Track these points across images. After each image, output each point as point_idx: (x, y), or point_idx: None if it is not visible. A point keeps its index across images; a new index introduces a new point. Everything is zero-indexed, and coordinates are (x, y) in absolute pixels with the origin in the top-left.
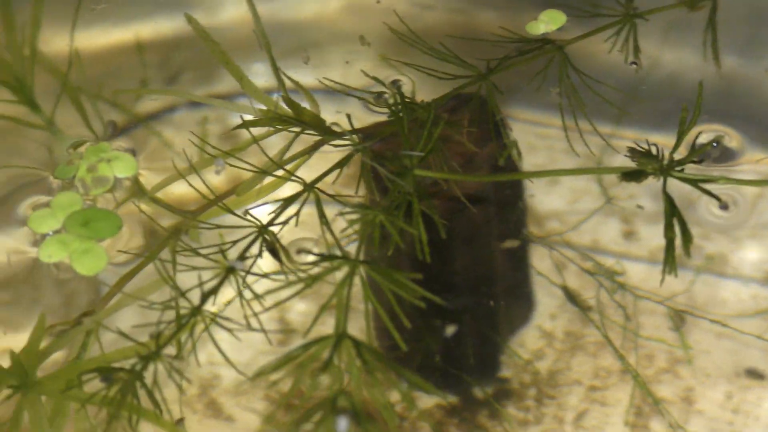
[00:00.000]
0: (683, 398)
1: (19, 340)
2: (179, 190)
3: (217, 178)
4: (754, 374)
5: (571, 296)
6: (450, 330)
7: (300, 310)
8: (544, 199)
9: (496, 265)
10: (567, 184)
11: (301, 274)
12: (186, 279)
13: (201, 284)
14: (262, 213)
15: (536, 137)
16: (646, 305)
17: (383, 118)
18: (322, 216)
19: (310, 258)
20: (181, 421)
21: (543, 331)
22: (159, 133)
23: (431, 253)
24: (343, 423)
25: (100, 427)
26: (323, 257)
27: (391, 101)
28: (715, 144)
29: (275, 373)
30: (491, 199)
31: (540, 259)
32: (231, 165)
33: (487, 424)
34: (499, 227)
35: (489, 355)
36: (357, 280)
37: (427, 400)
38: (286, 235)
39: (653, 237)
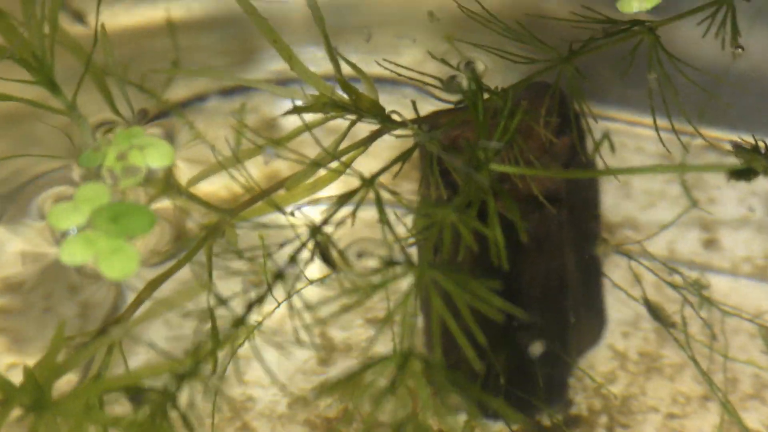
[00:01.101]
0: None
1: (26, 354)
2: (206, 188)
3: (255, 173)
4: None
5: (654, 311)
6: (516, 348)
7: (342, 324)
8: (616, 203)
9: (568, 276)
10: (640, 187)
11: (360, 281)
12: (222, 287)
13: (246, 292)
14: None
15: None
16: (730, 323)
17: (443, 106)
18: (383, 215)
19: (371, 263)
20: None
21: (615, 351)
22: (192, 122)
23: (497, 261)
24: None
25: None
26: (390, 263)
27: (464, 86)
28: None
29: (330, 395)
30: (564, 201)
31: (612, 270)
32: (281, 156)
33: None
34: (572, 233)
35: (557, 377)
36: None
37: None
38: (339, 237)
39: (736, 246)
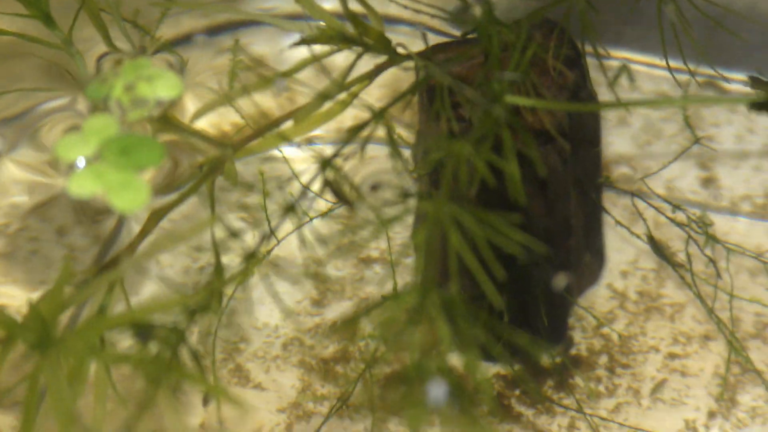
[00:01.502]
0: None
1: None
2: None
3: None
4: None
5: (658, 248)
6: (518, 288)
7: (335, 265)
8: (613, 141)
9: (570, 214)
10: (638, 124)
11: (372, 214)
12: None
13: (259, 225)
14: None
15: (595, 71)
16: (732, 262)
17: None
18: (395, 147)
19: (386, 195)
20: (209, 397)
21: (615, 291)
22: (184, 58)
23: (500, 198)
24: (441, 390)
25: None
26: (407, 195)
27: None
28: None
29: (349, 329)
30: (568, 136)
31: (611, 209)
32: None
33: (554, 397)
34: (574, 170)
35: (557, 317)
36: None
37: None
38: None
39: (736, 185)
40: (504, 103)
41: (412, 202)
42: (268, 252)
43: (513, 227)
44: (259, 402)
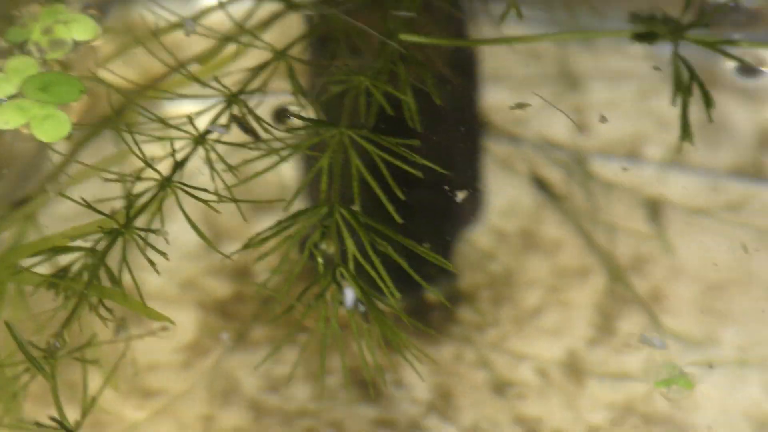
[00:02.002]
0: (652, 297)
1: None
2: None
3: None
4: (722, 269)
5: (542, 185)
6: (406, 226)
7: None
8: (490, 89)
9: (454, 155)
10: (517, 77)
11: (280, 142)
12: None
13: (172, 153)
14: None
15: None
16: (607, 201)
17: None
18: (296, 86)
19: (293, 122)
20: (123, 325)
21: (496, 230)
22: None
23: (398, 127)
24: (350, 294)
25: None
26: (312, 121)
27: None
28: (732, 4)
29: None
30: (453, 74)
31: (491, 150)
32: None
33: (442, 325)
34: (457, 113)
35: (442, 254)
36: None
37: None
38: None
39: (609, 129)
40: (398, 39)
41: (314, 131)
42: (177, 181)
43: (410, 151)
44: (158, 341)
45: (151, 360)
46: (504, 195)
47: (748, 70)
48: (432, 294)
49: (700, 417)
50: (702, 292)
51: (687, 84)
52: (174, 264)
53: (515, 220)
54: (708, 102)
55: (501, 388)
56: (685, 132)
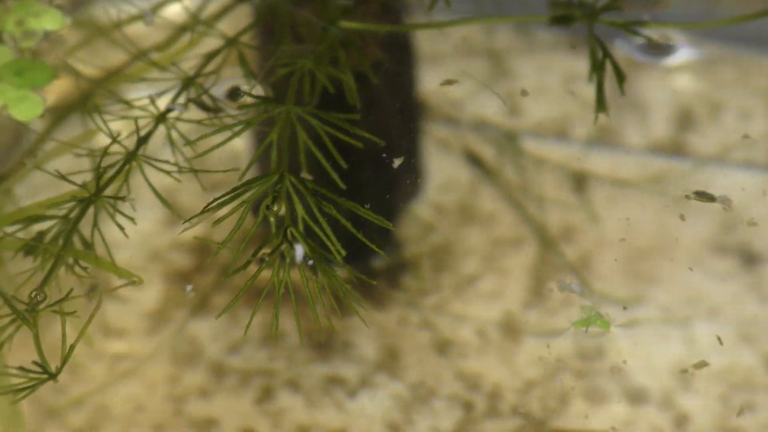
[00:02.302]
0: (581, 263)
1: None
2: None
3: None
4: (646, 237)
5: (473, 158)
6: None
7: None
8: (426, 73)
9: (393, 135)
10: (451, 62)
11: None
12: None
13: (136, 130)
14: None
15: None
16: (538, 177)
17: None
18: (247, 69)
19: (244, 100)
20: (95, 287)
21: (435, 204)
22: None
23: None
24: (299, 249)
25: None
26: (262, 99)
27: None
28: None
29: (218, 211)
30: (390, 72)
31: (430, 132)
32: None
33: (387, 292)
34: (395, 96)
35: (385, 228)
36: None
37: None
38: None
39: (537, 111)
40: (338, 26)
41: (263, 108)
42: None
43: (350, 123)
44: (125, 308)
45: (119, 326)
46: (442, 172)
47: (656, 46)
48: (376, 259)
49: (627, 371)
50: (627, 258)
51: (601, 62)
52: (139, 239)
53: (453, 194)
54: (620, 77)
55: (443, 347)
56: (600, 105)
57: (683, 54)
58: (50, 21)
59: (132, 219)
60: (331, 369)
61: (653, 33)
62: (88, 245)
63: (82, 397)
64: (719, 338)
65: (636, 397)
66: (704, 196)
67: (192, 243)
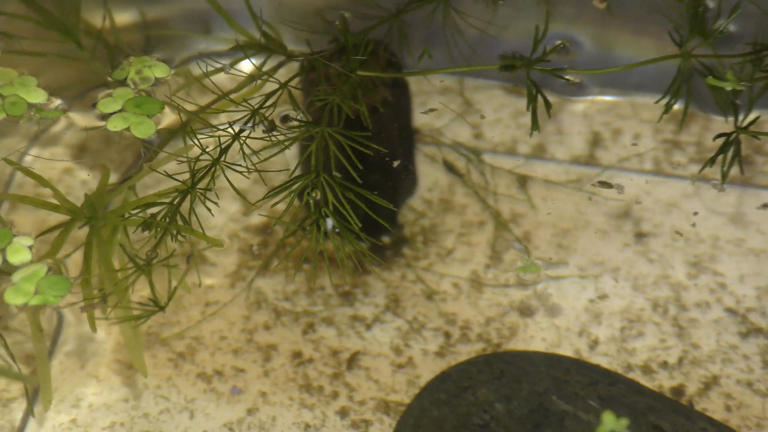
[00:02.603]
0: (524, 238)
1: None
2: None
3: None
4: (569, 219)
5: (450, 167)
6: (365, 190)
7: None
8: (417, 106)
9: (396, 152)
10: (435, 98)
11: (287, 135)
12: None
13: (219, 144)
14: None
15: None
16: (495, 177)
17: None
18: (294, 103)
19: (293, 123)
20: (190, 256)
21: (424, 199)
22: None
23: (356, 139)
24: (330, 222)
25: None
26: (304, 123)
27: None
28: (562, 46)
29: (272, 198)
30: (392, 97)
31: (421, 150)
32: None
33: (392, 258)
34: (396, 121)
35: (391, 215)
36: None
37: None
38: (270, 114)
39: (494, 135)
40: (357, 73)
41: (306, 129)
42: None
43: (365, 138)
44: (213, 272)
45: (209, 282)
46: (429, 176)
47: (572, 84)
48: (385, 234)
49: (555, 312)
50: (556, 234)
51: (534, 95)
52: (222, 221)
53: (437, 192)
54: (548, 105)
55: (430, 295)
56: (535, 125)
57: (594, 92)
58: (160, 71)
59: (216, 204)
60: (354, 310)
61: (571, 77)
62: (186, 222)
63: (182, 331)
64: (618, 287)
65: (561, 328)
66: (605, 185)
67: (258, 225)
